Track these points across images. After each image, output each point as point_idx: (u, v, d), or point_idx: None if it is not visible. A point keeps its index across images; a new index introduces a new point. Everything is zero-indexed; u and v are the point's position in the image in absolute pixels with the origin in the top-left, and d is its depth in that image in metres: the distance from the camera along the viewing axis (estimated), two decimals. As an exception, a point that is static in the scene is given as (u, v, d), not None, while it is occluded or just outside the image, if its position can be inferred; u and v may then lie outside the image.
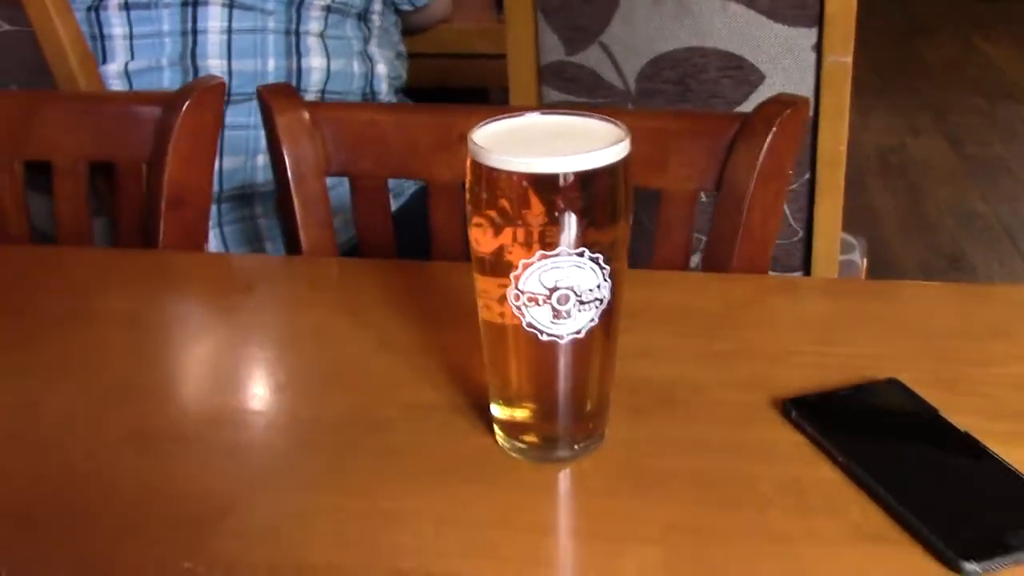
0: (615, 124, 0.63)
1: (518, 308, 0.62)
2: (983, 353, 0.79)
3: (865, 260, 1.75)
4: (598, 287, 0.62)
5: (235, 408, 0.76)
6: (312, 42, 1.54)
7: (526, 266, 0.61)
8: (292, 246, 1.05)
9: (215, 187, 1.51)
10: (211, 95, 1.06)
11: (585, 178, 0.60)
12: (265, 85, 1.05)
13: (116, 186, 1.12)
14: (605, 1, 1.28)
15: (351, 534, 0.63)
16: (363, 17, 1.63)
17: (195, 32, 1.48)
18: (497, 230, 0.62)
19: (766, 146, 0.92)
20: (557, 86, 1.38)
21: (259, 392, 0.79)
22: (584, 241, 0.61)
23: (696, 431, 0.71)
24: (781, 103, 0.94)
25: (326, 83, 1.55)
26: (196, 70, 1.49)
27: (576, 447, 0.68)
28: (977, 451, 0.66)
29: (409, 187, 1.67)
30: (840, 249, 1.66)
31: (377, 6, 1.66)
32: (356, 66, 1.60)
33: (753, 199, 0.93)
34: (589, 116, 0.65)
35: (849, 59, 1.20)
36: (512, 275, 0.62)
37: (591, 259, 0.61)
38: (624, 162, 0.62)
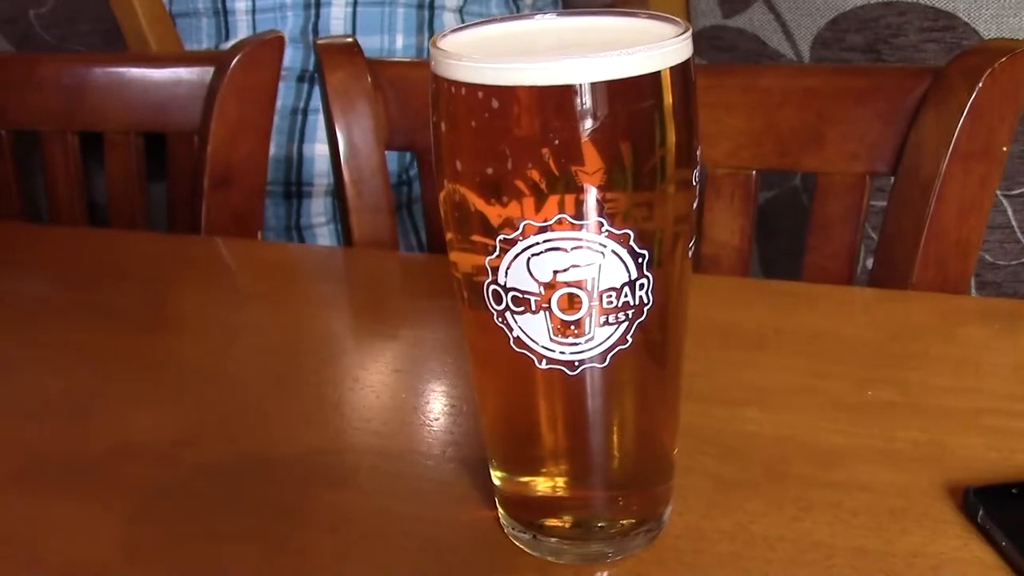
0: (670, 21, 0.39)
1: (500, 315, 0.39)
2: None
3: None
4: (631, 286, 0.38)
5: (145, 443, 0.55)
6: (448, 18, 1.40)
7: (506, 245, 0.37)
8: (346, 234, 0.84)
9: (328, 179, 1.36)
10: (266, 51, 0.88)
11: (603, 96, 0.35)
12: (324, 38, 0.85)
13: (168, 160, 0.96)
14: (771, -55, 1.02)
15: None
16: (512, -9, 1.46)
17: (318, 5, 1.36)
18: (464, 185, 0.38)
19: (967, 111, 0.64)
20: (712, 58, 1.12)
21: (191, 422, 0.57)
22: (604, 208, 0.36)
23: (817, 526, 0.45)
24: (988, 52, 0.66)
25: None
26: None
27: (613, 540, 0.43)
28: None
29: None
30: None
31: (529, -21, 1.48)
32: None
33: (946, 186, 0.65)
34: (633, 15, 0.40)
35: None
36: (487, 261, 0.38)
37: (615, 238, 0.37)
38: (678, 75, 0.37)
